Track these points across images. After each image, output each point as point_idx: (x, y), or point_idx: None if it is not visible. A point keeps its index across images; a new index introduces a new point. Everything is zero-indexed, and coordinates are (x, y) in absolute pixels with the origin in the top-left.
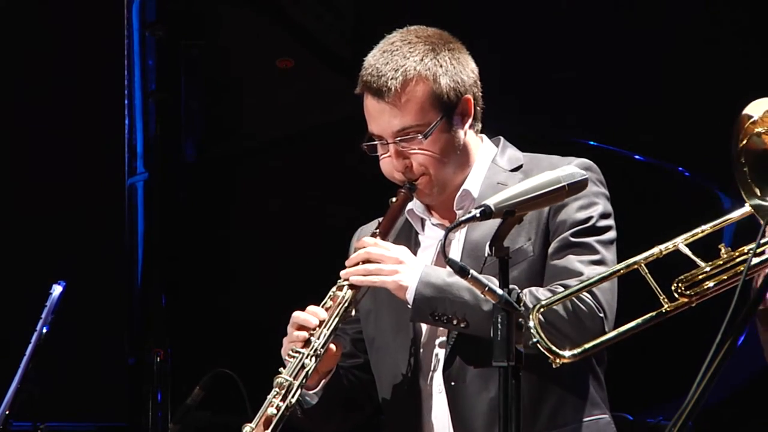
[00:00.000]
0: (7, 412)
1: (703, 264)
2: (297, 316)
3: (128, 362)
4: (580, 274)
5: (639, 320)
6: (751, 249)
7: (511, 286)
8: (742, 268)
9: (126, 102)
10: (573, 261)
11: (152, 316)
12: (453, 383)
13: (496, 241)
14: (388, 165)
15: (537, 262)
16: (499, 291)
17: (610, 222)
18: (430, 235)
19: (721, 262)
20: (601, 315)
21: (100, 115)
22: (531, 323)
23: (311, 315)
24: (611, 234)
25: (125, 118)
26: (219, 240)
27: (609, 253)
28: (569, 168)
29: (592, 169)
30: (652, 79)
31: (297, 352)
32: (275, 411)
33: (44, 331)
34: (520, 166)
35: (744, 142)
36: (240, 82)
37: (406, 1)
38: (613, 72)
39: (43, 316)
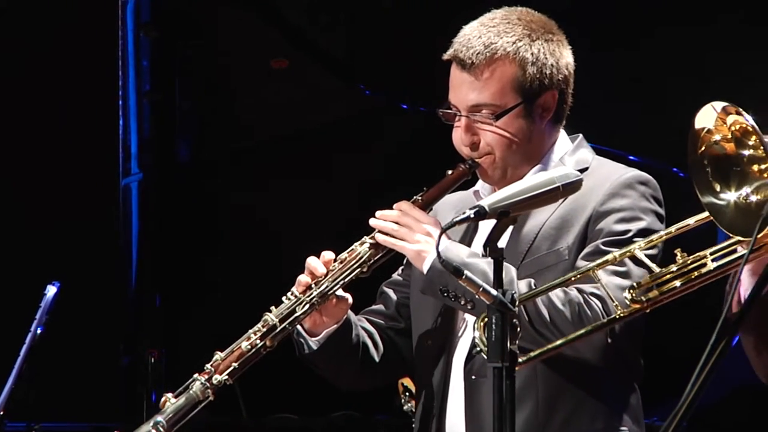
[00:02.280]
0: (1, 413)
1: (657, 270)
2: (308, 261)
3: (123, 362)
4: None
5: (589, 327)
6: (699, 255)
7: (505, 287)
8: (696, 274)
9: (120, 102)
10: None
11: (146, 316)
12: (473, 377)
13: (491, 242)
14: (458, 136)
15: (569, 267)
16: (494, 292)
17: None
18: (491, 222)
19: (675, 268)
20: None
21: (95, 115)
22: (476, 333)
23: (321, 263)
24: (649, 252)
25: (119, 118)
26: (213, 240)
27: (638, 270)
28: (564, 168)
29: (648, 185)
30: (648, 77)
31: (295, 296)
32: (249, 347)
33: (39, 331)
34: (585, 169)
35: (703, 149)
36: (234, 82)
37: (402, 1)
38: (608, 71)
39: (37, 316)
